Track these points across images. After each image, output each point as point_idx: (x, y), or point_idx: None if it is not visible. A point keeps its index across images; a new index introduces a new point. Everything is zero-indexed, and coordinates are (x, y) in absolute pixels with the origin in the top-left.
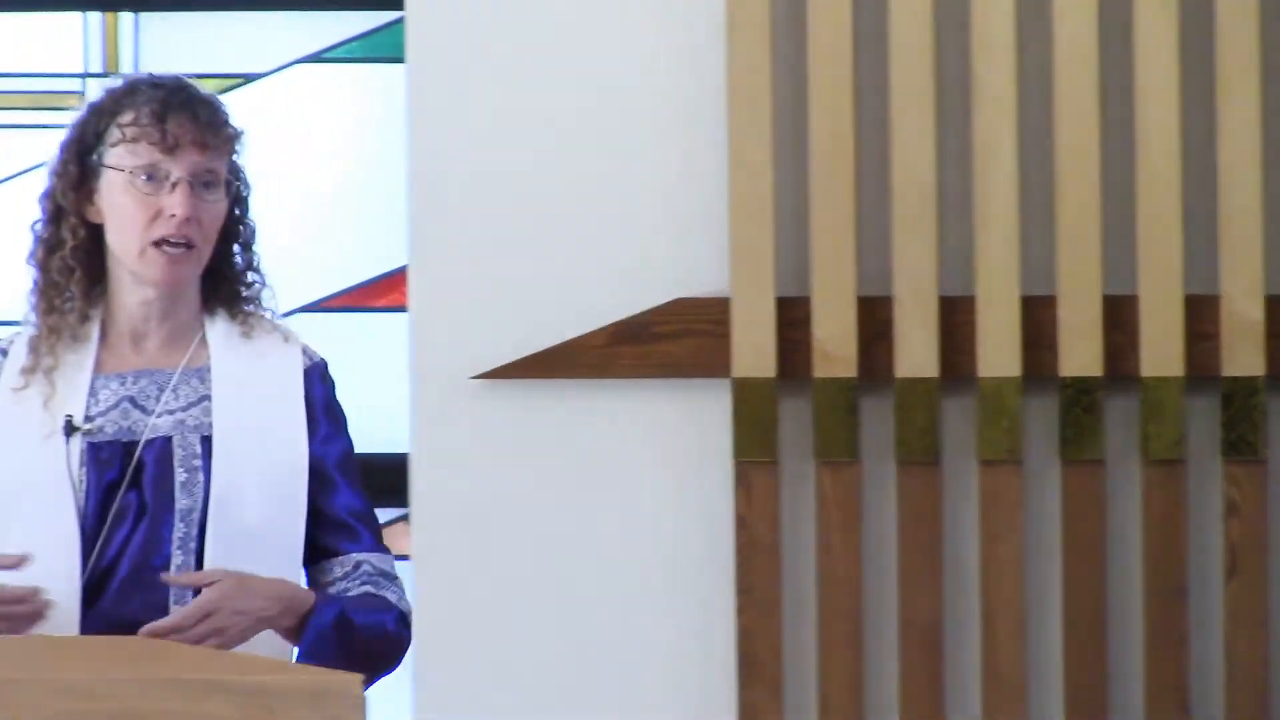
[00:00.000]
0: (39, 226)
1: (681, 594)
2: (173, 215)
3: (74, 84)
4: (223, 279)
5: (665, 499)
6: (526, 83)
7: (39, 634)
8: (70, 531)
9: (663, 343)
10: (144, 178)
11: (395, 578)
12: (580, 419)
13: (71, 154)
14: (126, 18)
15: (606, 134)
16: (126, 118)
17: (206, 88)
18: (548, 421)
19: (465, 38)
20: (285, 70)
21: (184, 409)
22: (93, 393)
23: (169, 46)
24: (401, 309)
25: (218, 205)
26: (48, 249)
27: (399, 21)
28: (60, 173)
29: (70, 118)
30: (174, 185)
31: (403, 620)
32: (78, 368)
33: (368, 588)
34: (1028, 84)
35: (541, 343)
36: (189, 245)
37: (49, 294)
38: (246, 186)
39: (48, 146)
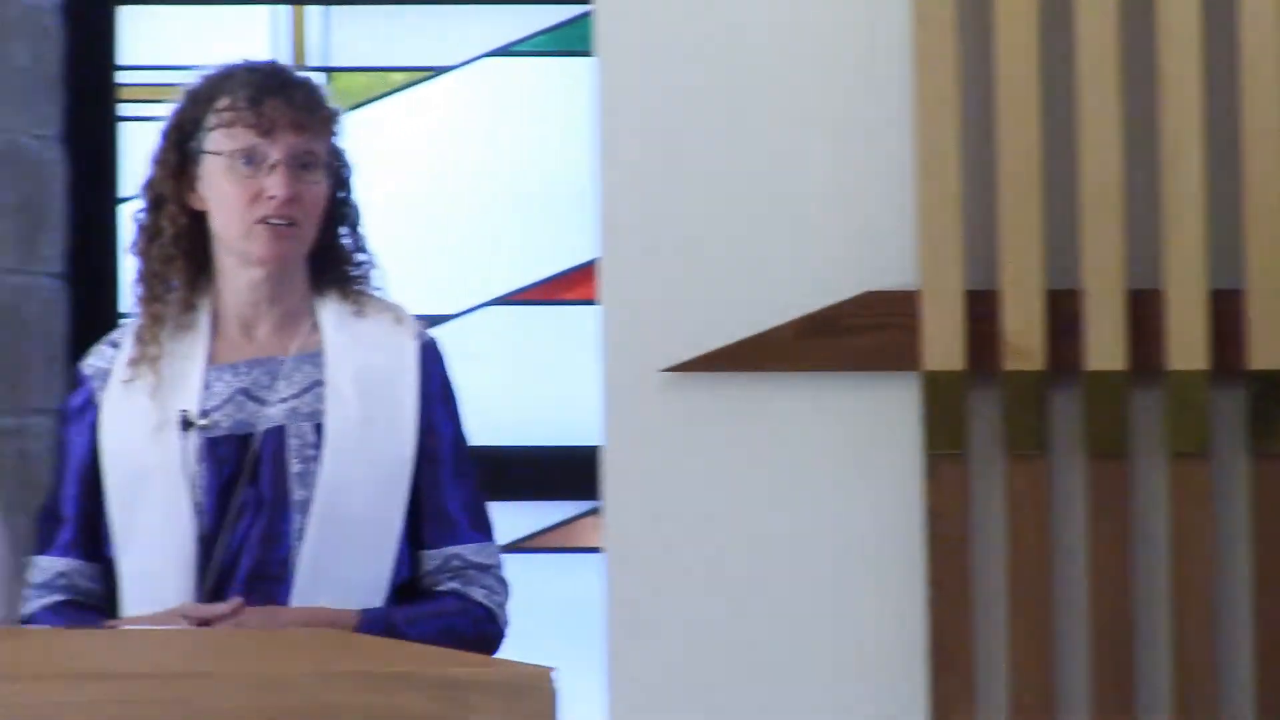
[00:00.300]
0: (141, 215)
1: (871, 587)
2: (272, 196)
3: None
4: (331, 261)
5: (854, 492)
6: (714, 77)
7: (226, 627)
8: (186, 530)
9: (852, 336)
10: (243, 161)
11: (489, 568)
12: (769, 412)
13: (171, 142)
14: (314, 11)
15: (795, 127)
16: (223, 103)
17: (301, 73)
18: (736, 415)
19: (653, 32)
20: (473, 64)
21: (296, 396)
22: (206, 385)
23: (356, 40)
24: (591, 302)
25: (318, 186)
26: (148, 238)
27: (588, 15)
28: (160, 160)
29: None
30: (272, 167)
31: (488, 617)
32: (187, 358)
33: (455, 583)
34: (1214, 78)
35: (730, 336)
36: (292, 222)
37: (151, 283)
38: (348, 168)
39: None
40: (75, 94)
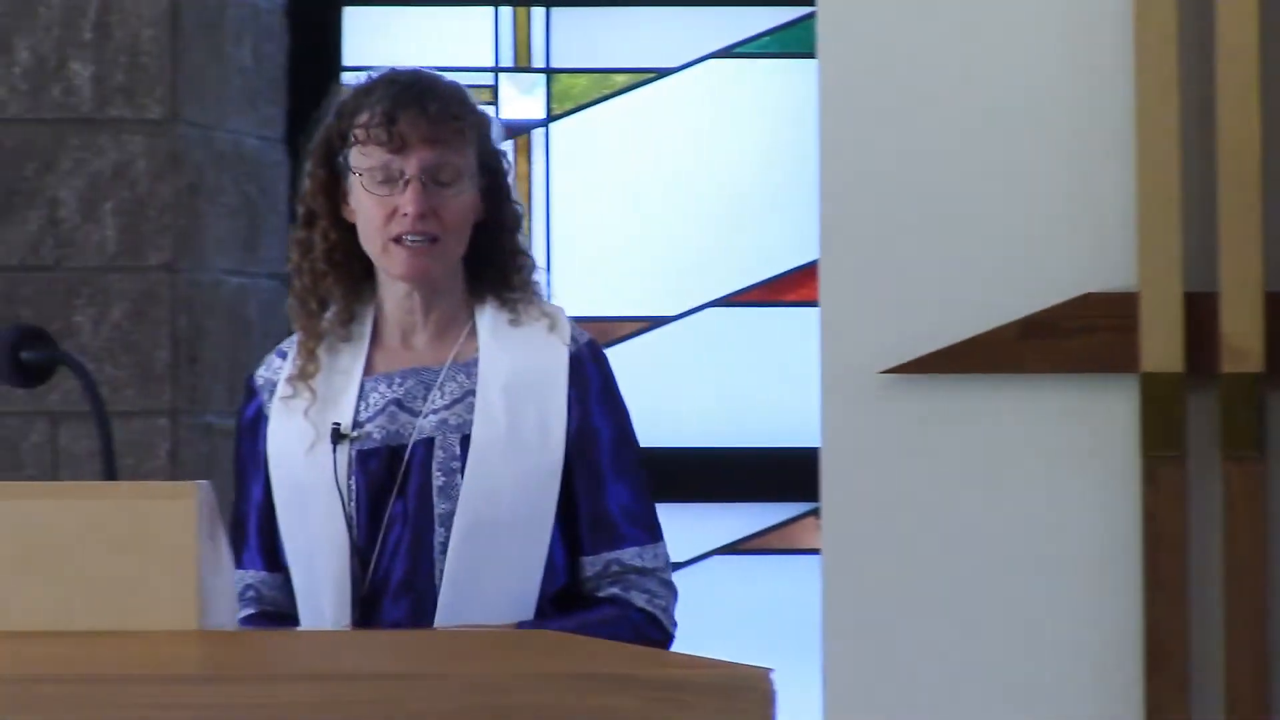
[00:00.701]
0: (295, 231)
1: (1087, 588)
2: (405, 214)
3: (485, 79)
4: (487, 267)
5: (1071, 494)
6: (935, 79)
7: (441, 628)
8: (339, 543)
9: (1070, 338)
10: (378, 178)
11: (651, 572)
12: (986, 414)
13: (319, 157)
14: (538, 12)
15: (1014, 130)
16: (361, 119)
17: (448, 78)
18: (955, 416)
19: (876, 34)
20: (697, 65)
21: (448, 407)
22: (363, 396)
23: (580, 41)
24: (812, 304)
25: (459, 198)
26: (302, 253)
27: (811, 16)
28: (310, 174)
29: None
30: (406, 184)
31: (648, 622)
32: (345, 372)
33: (615, 589)
34: None
35: (949, 338)
36: (431, 239)
37: (305, 299)
38: (502, 173)
39: None
40: (299, 95)
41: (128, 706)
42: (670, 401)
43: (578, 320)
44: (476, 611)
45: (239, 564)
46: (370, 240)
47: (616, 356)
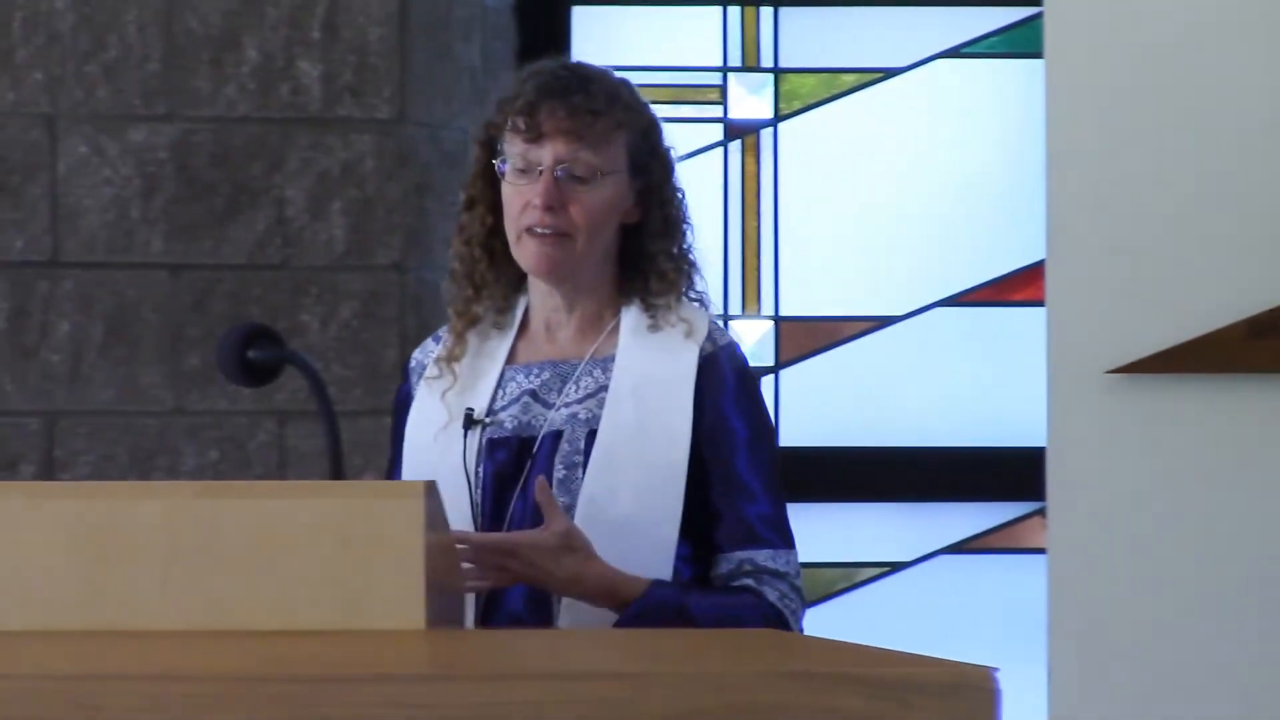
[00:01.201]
0: (459, 215)
1: None
2: (534, 206)
3: (713, 78)
4: (635, 267)
5: None
6: (1162, 78)
7: (666, 630)
8: (464, 528)
9: None
10: (517, 168)
11: (784, 575)
12: (1214, 413)
13: (482, 143)
14: (766, 12)
15: (1242, 128)
16: (512, 106)
17: (612, 74)
18: (1182, 416)
19: (1103, 34)
20: (925, 65)
21: (580, 401)
22: (501, 384)
23: (807, 40)
24: (1039, 303)
25: (595, 194)
26: (460, 238)
27: (1038, 16)
28: (475, 160)
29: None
30: (539, 175)
31: (778, 619)
32: (490, 357)
33: (748, 581)
34: None
35: (1176, 337)
36: (560, 233)
37: (461, 283)
38: (660, 177)
39: (685, 140)
40: None
41: (356, 705)
42: (896, 401)
43: (805, 320)
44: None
45: None
46: (508, 230)
47: (843, 356)
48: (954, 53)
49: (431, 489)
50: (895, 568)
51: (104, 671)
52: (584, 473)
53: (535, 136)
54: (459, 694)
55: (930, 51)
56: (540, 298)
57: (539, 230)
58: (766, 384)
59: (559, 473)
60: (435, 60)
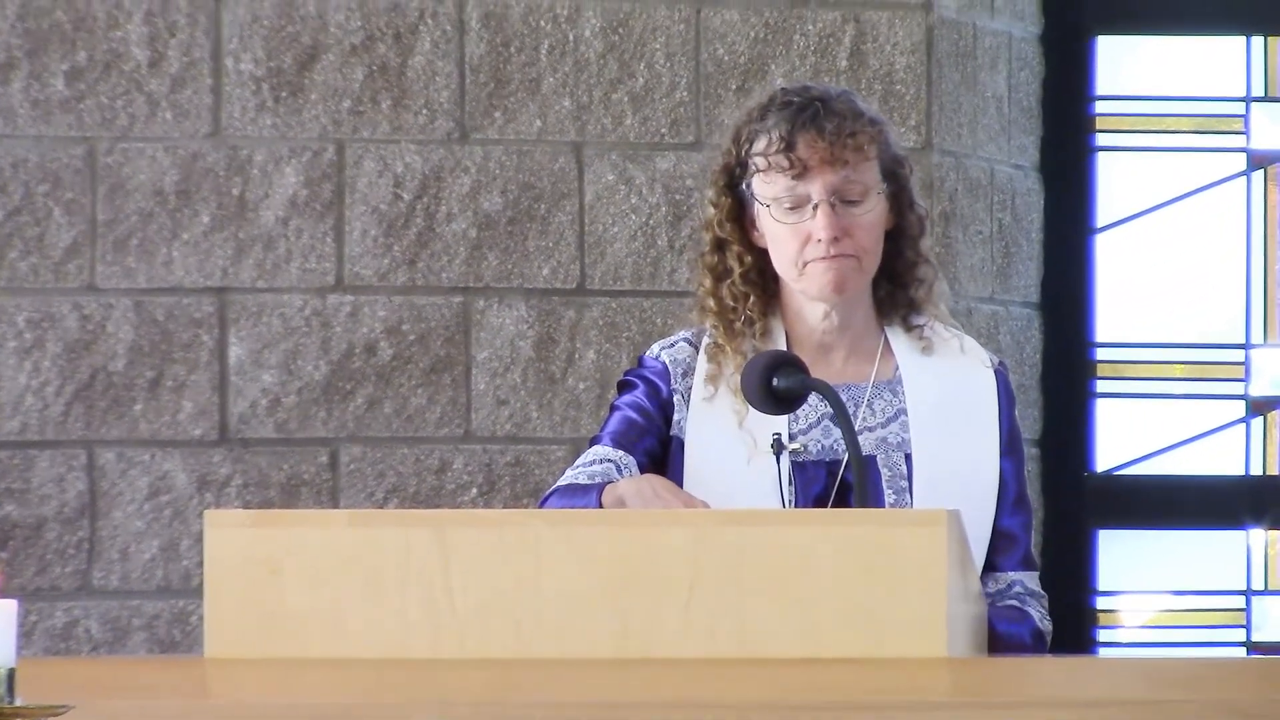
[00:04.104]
0: (707, 256)
1: None
2: (819, 240)
3: (1236, 108)
4: (892, 280)
5: None
6: None
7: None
8: None
9: None
10: (786, 206)
11: (1042, 596)
12: None
13: (722, 185)
14: None
15: None
16: (759, 146)
17: (836, 88)
18: None
19: None
20: None
21: (882, 425)
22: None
23: None
24: None
25: (869, 214)
26: (715, 277)
27: None
28: (715, 203)
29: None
30: (814, 208)
31: (1039, 637)
32: None
33: (1013, 603)
34: None
35: None
36: (847, 256)
37: (726, 317)
38: (905, 178)
39: (1206, 170)
40: (1052, 124)
41: None
42: None
43: None
44: None
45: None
46: (786, 266)
47: None
48: None
49: (954, 518)
50: None
51: (628, 700)
52: (911, 497)
53: (800, 171)
54: None
55: None
56: (815, 321)
57: (833, 257)
58: None
59: (889, 497)
60: (961, 89)
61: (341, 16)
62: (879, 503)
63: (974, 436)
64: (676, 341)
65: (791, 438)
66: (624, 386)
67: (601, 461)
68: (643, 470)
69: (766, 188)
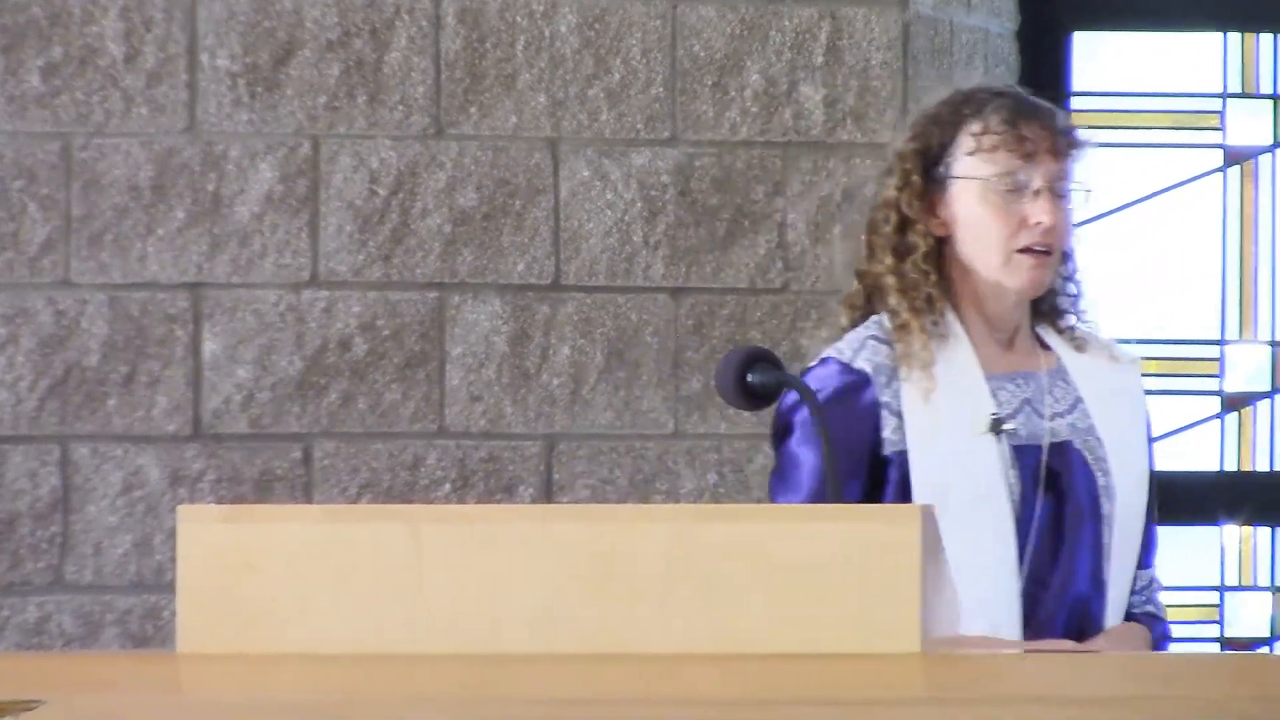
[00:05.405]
0: (884, 232)
1: None
2: (1038, 223)
3: (1213, 104)
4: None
5: None
6: None
7: (1153, 654)
8: (1008, 541)
9: None
10: (1004, 187)
11: (1162, 587)
12: None
13: (915, 165)
14: (1266, 37)
15: None
16: (976, 127)
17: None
18: None
19: None
20: None
21: (1069, 411)
22: (991, 394)
23: None
24: None
25: (1069, 214)
26: (898, 255)
27: None
28: (903, 184)
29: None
30: (1035, 193)
31: (1165, 638)
32: (964, 368)
33: (1150, 607)
34: None
35: None
36: (1049, 250)
37: (910, 295)
38: (1081, 198)
39: (1183, 166)
40: None
41: None
42: None
43: None
44: (1117, 614)
45: None
46: (989, 250)
47: None
48: None
49: (929, 513)
50: None
51: (603, 696)
52: (1111, 480)
53: (1028, 154)
54: (955, 718)
55: None
56: (1000, 309)
57: (1039, 249)
58: (1263, 409)
59: (1100, 480)
60: (937, 85)
61: (318, 12)
62: (1092, 485)
63: (1132, 428)
64: (866, 342)
65: (1002, 420)
66: (826, 417)
67: None
68: None
69: (985, 166)
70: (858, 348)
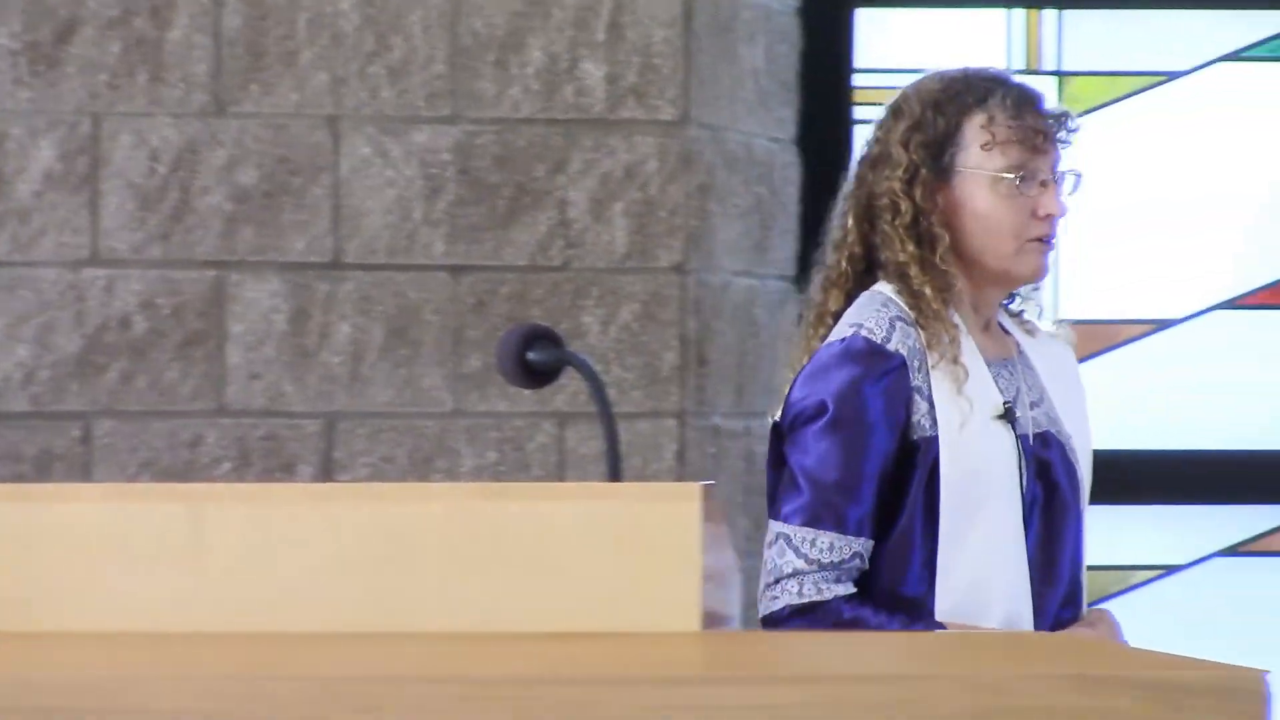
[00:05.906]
0: (903, 224)
1: None
2: (1048, 215)
3: None
4: None
5: None
6: None
7: (945, 633)
8: (1016, 526)
9: None
10: (1015, 182)
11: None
12: None
13: (923, 157)
14: (1050, 14)
15: None
16: (982, 118)
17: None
18: None
19: None
20: (1205, 69)
21: (1041, 401)
22: (995, 381)
23: (1091, 43)
24: None
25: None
26: (918, 242)
27: None
28: (912, 179)
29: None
30: (1043, 184)
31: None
32: (970, 354)
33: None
34: None
35: None
36: (1052, 239)
37: (940, 287)
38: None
39: None
40: (810, 97)
41: (629, 708)
42: (1174, 404)
43: (1084, 324)
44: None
45: (846, 527)
46: (1002, 240)
47: (1122, 359)
48: (1236, 56)
49: (709, 491)
50: (1169, 570)
51: (381, 674)
52: (1080, 470)
53: (1034, 146)
54: (728, 697)
55: (1213, 55)
56: (995, 299)
57: (1048, 240)
58: None
59: (1081, 470)
60: (719, 62)
61: None
62: (1072, 474)
63: (1081, 413)
64: (895, 324)
65: (1013, 408)
66: (864, 404)
67: (852, 560)
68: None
69: (996, 159)
70: (888, 328)
